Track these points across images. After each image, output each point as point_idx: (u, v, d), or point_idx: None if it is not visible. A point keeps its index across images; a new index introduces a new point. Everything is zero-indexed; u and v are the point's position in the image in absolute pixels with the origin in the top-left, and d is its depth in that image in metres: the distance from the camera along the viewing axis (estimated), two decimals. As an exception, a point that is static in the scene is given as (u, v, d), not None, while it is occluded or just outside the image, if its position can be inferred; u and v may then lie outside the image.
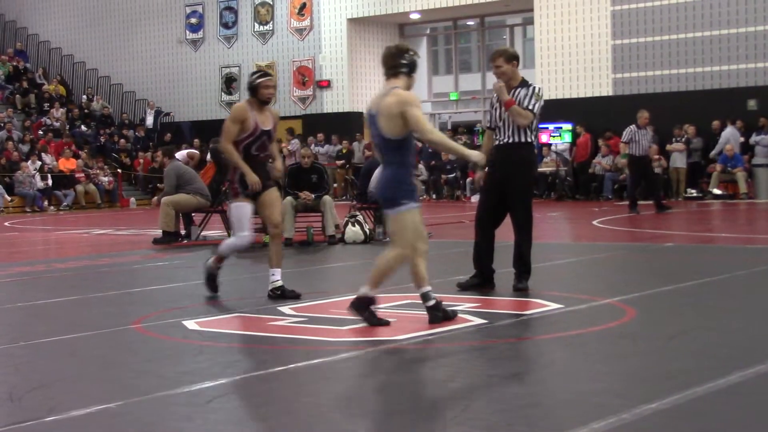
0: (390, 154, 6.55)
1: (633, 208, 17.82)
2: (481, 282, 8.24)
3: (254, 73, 8.13)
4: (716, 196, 21.78)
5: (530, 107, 8.08)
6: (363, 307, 6.51)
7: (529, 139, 8.22)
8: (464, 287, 8.18)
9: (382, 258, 6.56)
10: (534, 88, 8.21)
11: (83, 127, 30.89)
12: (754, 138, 22.09)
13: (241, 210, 7.99)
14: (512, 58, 8.34)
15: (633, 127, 17.97)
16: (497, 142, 8.26)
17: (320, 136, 28.01)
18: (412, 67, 6.97)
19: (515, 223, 8.21)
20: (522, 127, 8.12)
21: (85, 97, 32.94)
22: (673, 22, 23.82)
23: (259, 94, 7.97)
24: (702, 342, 5.98)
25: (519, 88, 8.18)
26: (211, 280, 8.26)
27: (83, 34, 34.02)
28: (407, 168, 6.58)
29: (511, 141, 8.16)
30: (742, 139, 22.22)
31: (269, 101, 8.10)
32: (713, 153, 22.28)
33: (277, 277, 8.00)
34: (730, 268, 9.35)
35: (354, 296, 6.64)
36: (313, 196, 13.39)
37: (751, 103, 22.71)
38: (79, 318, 7.58)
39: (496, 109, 8.30)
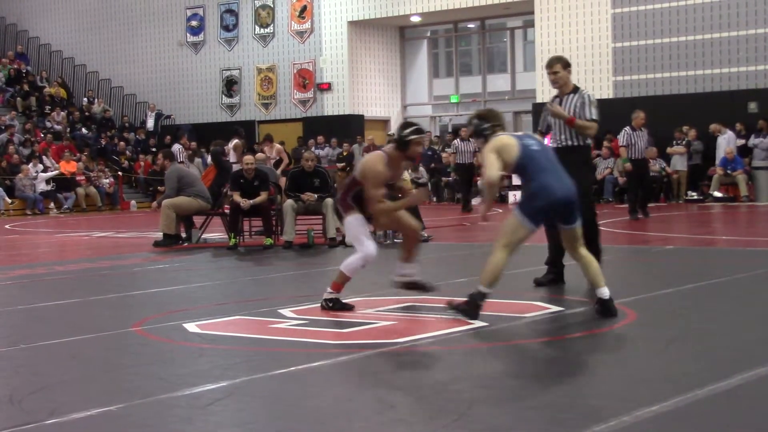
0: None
1: (633, 213, 17.16)
2: (555, 278, 8.55)
3: (407, 126, 7.43)
4: (717, 199, 21.78)
5: (593, 117, 8.55)
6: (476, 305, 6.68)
7: (586, 141, 8.71)
8: (540, 283, 8.45)
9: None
10: (588, 95, 8.65)
11: (84, 130, 30.90)
12: (753, 140, 22.09)
13: (355, 225, 7.40)
14: (568, 65, 8.76)
15: (628, 129, 17.26)
16: (554, 145, 8.58)
17: (320, 138, 28.02)
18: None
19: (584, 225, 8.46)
20: (590, 137, 8.66)
21: (86, 99, 32.96)
22: (674, 24, 23.83)
23: (410, 150, 7.36)
24: (702, 345, 5.98)
25: (571, 95, 8.62)
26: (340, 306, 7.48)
27: (84, 37, 34.04)
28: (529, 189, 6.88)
29: (569, 144, 8.60)
30: (742, 142, 22.21)
31: (414, 159, 7.65)
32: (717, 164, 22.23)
33: (410, 271, 7.70)
34: (731, 271, 9.35)
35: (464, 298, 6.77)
36: (315, 196, 13.37)
37: (752, 106, 22.71)
38: (80, 321, 7.59)
39: (549, 114, 8.73)
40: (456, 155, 22.79)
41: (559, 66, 8.65)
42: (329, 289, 7.42)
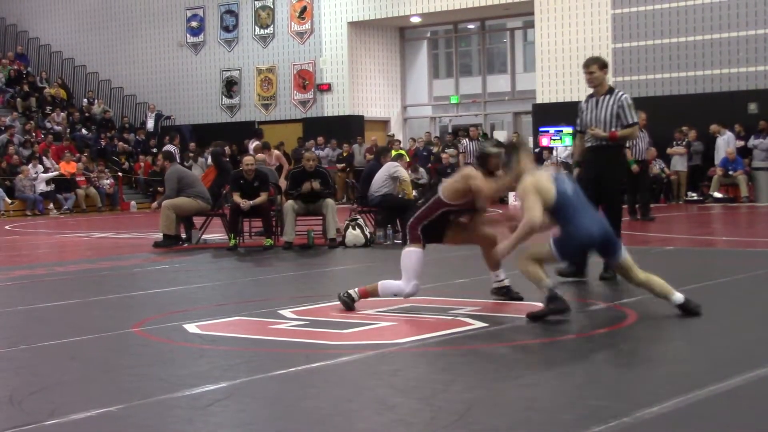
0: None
1: (634, 215, 16.97)
2: (577, 272, 8.78)
3: (488, 140, 7.56)
4: (717, 200, 21.78)
5: (632, 120, 8.93)
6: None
7: (619, 142, 9.01)
8: (564, 274, 8.68)
9: None
10: (624, 99, 8.95)
11: (84, 131, 30.91)
12: (752, 141, 22.09)
13: (414, 258, 7.26)
14: (605, 65, 9.08)
15: None
16: (588, 144, 9.00)
17: (320, 139, 28.02)
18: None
19: (607, 218, 8.66)
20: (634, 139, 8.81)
21: (85, 100, 32.96)
22: (674, 25, 23.83)
23: (491, 163, 7.37)
24: (703, 345, 5.98)
25: (606, 96, 8.93)
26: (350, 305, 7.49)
27: (84, 37, 34.05)
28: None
29: (602, 143, 8.90)
30: (741, 143, 22.21)
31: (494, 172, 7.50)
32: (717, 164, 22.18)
33: (501, 276, 7.67)
34: (731, 272, 9.35)
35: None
36: (318, 182, 13.33)
37: (752, 107, 22.71)
38: (80, 321, 7.59)
39: (585, 113, 9.03)
40: (465, 155, 22.34)
41: (595, 66, 8.95)
42: (357, 289, 7.47)
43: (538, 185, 6.77)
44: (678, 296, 6.81)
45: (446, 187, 7.35)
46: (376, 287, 7.39)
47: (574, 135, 9.24)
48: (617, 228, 8.68)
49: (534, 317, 6.75)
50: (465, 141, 22.75)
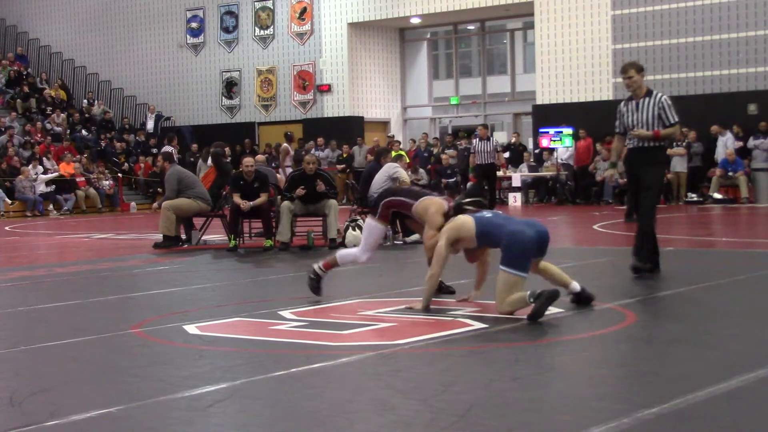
0: None
1: (630, 216, 17.04)
2: (652, 268, 9.17)
3: (469, 196, 8.08)
4: (717, 201, 21.78)
5: (674, 120, 9.18)
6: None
7: (660, 143, 9.27)
8: (637, 270, 9.02)
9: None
10: (664, 100, 9.21)
11: (84, 132, 30.91)
12: (752, 142, 22.09)
13: (375, 231, 8.04)
14: (641, 69, 9.36)
15: None
16: (630, 145, 9.31)
17: (320, 140, 28.02)
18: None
19: (637, 212, 9.40)
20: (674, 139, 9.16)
21: (85, 101, 32.97)
22: (674, 26, 23.84)
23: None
24: (702, 346, 5.98)
25: (646, 98, 9.21)
26: (316, 284, 8.15)
27: (84, 38, 34.06)
28: None
29: (644, 145, 9.20)
30: (739, 144, 22.21)
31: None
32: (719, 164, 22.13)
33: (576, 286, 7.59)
34: (731, 273, 9.35)
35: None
36: (321, 185, 13.36)
37: (752, 108, 22.71)
38: (80, 322, 7.59)
39: (626, 116, 9.28)
40: (475, 156, 22.06)
41: (633, 71, 9.22)
42: (321, 265, 8.09)
43: (453, 225, 7.32)
44: (575, 285, 7.32)
45: (420, 205, 7.82)
46: (335, 258, 8.12)
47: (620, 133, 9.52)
48: (646, 225, 9.17)
49: (533, 317, 6.78)
50: (475, 141, 22.36)
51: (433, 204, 7.79)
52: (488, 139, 20.93)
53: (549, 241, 7.26)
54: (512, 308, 6.96)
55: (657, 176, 9.47)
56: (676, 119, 9.23)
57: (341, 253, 8.11)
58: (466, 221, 7.29)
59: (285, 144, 23.40)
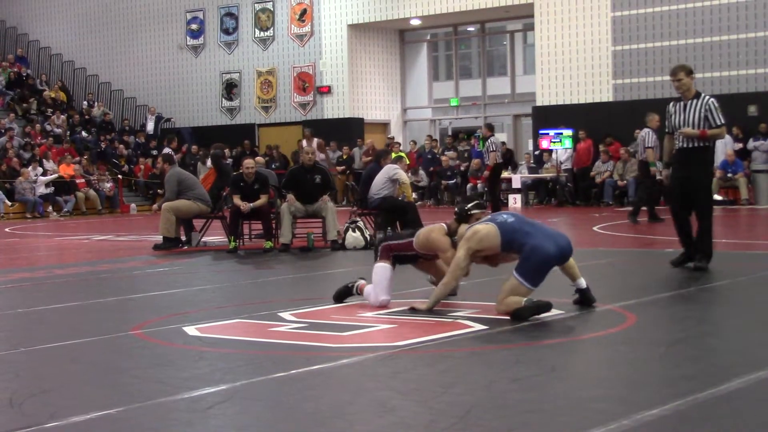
0: None
1: (653, 217, 16.54)
2: (688, 259, 9.66)
3: (470, 201, 7.89)
4: (717, 202, 21.75)
5: (720, 122, 9.46)
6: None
7: (707, 143, 9.54)
8: (676, 264, 9.63)
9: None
10: (711, 102, 9.53)
11: (84, 133, 30.91)
12: (752, 143, 22.09)
13: (382, 273, 7.73)
14: (691, 72, 9.74)
15: (648, 130, 16.60)
16: (680, 146, 9.60)
17: (320, 141, 27.99)
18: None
19: (697, 214, 9.63)
20: (720, 139, 9.99)
21: (85, 103, 32.96)
22: (674, 27, 23.84)
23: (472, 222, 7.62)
24: (702, 348, 5.98)
25: (694, 100, 9.55)
26: (344, 294, 8.05)
27: (84, 40, 34.05)
28: None
29: (691, 145, 9.50)
30: (740, 146, 22.20)
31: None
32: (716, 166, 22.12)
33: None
34: (731, 274, 9.35)
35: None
36: (327, 199, 13.41)
37: (752, 109, 22.71)
38: (80, 324, 7.59)
39: (674, 116, 9.63)
40: (496, 154, 21.93)
41: (682, 74, 9.59)
42: (359, 287, 7.93)
43: (475, 236, 7.17)
44: (582, 281, 7.36)
45: (419, 237, 7.71)
46: (364, 289, 7.91)
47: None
48: (708, 225, 9.53)
49: (515, 316, 6.85)
50: (492, 139, 22.31)
51: (432, 230, 7.72)
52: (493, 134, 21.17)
53: (571, 254, 7.25)
54: (508, 309, 6.98)
55: (707, 175, 9.78)
56: (723, 121, 9.53)
57: (367, 289, 7.81)
58: (489, 231, 7.16)
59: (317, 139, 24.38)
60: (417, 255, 7.79)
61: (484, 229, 7.19)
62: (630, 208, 18.02)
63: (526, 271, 6.99)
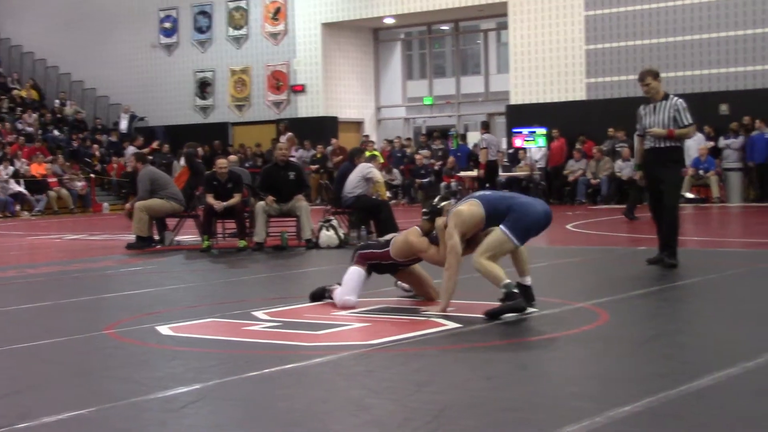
0: None
1: (631, 213, 16.72)
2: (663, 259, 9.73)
3: (434, 197, 7.81)
4: (689, 200, 21.90)
5: (688, 122, 9.63)
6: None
7: (676, 143, 9.74)
8: (652, 261, 9.74)
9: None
10: (679, 103, 9.67)
11: (56, 132, 30.70)
12: (723, 141, 22.25)
13: (356, 277, 7.66)
14: (657, 75, 9.89)
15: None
16: (650, 145, 9.75)
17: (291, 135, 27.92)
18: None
19: (664, 211, 9.71)
20: (689, 139, 10.04)
21: (58, 101, 32.74)
22: (646, 27, 23.97)
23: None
24: (674, 345, 6.01)
25: (663, 102, 9.72)
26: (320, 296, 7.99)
27: (56, 38, 33.80)
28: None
29: (660, 145, 9.69)
30: (710, 144, 22.34)
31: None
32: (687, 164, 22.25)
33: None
34: (703, 272, 9.42)
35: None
36: (302, 199, 13.38)
37: (723, 108, 22.87)
38: (52, 324, 7.54)
39: (644, 118, 9.79)
40: (488, 150, 22.15)
41: (650, 78, 9.77)
42: (334, 287, 7.86)
43: (458, 219, 7.12)
44: (528, 279, 7.35)
45: (395, 245, 7.64)
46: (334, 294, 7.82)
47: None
48: (674, 226, 9.69)
49: (490, 315, 6.83)
50: (485, 136, 22.55)
51: (408, 234, 7.66)
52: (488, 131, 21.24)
53: (551, 222, 7.33)
54: (485, 272, 6.97)
55: (675, 174, 9.92)
56: (691, 121, 9.69)
57: (338, 291, 7.74)
58: (470, 208, 7.16)
59: (290, 133, 24.18)
60: (394, 264, 7.72)
61: (466, 209, 7.18)
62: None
63: (515, 227, 7.03)
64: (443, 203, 7.58)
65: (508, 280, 6.90)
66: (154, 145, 28.03)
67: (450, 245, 7.12)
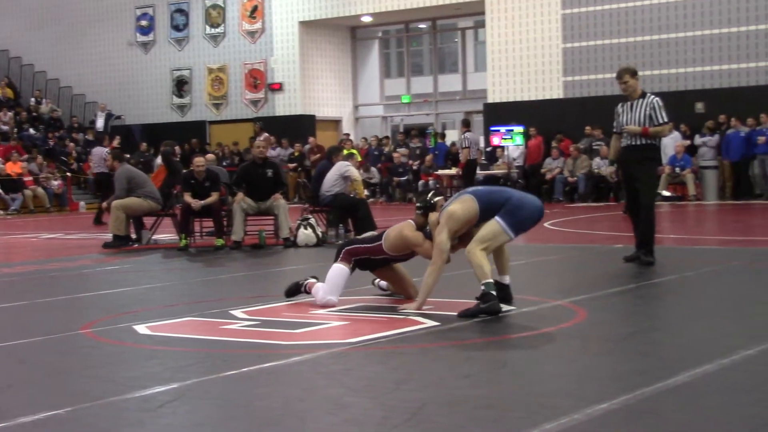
0: None
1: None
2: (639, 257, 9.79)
3: (427, 193, 7.70)
4: (665, 198, 22.01)
5: (663, 119, 9.69)
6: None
7: (654, 141, 9.81)
8: (629, 259, 9.79)
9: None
10: (656, 101, 9.75)
11: (32, 131, 30.52)
12: (699, 139, 22.37)
13: (340, 274, 7.60)
14: (635, 73, 9.98)
15: None
16: (627, 143, 9.81)
17: (272, 138, 27.89)
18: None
19: (640, 208, 9.79)
20: (665, 137, 9.97)
21: (33, 100, 32.54)
22: (623, 25, 24.07)
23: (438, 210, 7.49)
24: (651, 343, 6.05)
25: (640, 100, 9.80)
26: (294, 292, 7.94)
27: (31, 36, 33.61)
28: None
29: (636, 143, 9.75)
30: (688, 142, 22.46)
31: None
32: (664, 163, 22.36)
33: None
34: (679, 269, 9.47)
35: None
36: (279, 197, 13.36)
37: (699, 106, 23.00)
38: (28, 324, 7.49)
39: (621, 116, 9.89)
40: (470, 150, 22.29)
41: (627, 76, 9.85)
42: (307, 286, 7.81)
43: (452, 216, 7.10)
44: (507, 279, 7.37)
45: (388, 239, 7.59)
46: (312, 288, 7.77)
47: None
48: (651, 224, 9.73)
49: (463, 315, 6.84)
50: (467, 134, 22.62)
51: (402, 227, 7.59)
52: (470, 130, 21.29)
53: (542, 220, 7.39)
54: (475, 263, 6.94)
55: (650, 172, 9.97)
56: (666, 119, 9.75)
57: (317, 286, 7.69)
58: (463, 203, 7.13)
59: (266, 134, 24.25)
60: (384, 259, 7.67)
61: (459, 206, 7.13)
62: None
63: (512, 220, 7.05)
64: (437, 198, 7.55)
65: (490, 280, 6.91)
66: (115, 142, 27.82)
67: (436, 242, 7.10)
